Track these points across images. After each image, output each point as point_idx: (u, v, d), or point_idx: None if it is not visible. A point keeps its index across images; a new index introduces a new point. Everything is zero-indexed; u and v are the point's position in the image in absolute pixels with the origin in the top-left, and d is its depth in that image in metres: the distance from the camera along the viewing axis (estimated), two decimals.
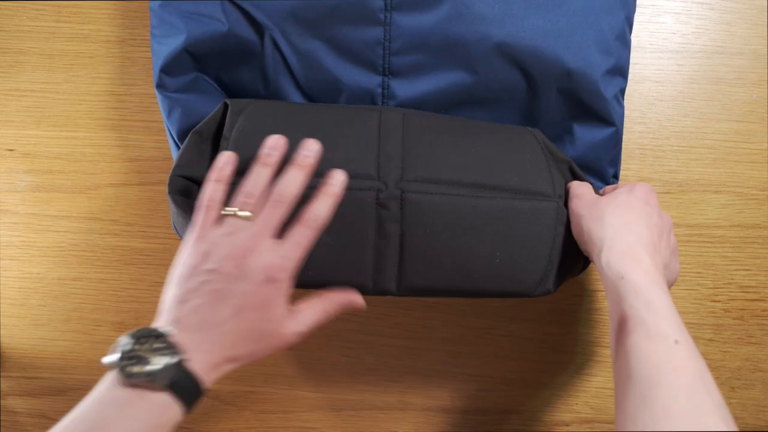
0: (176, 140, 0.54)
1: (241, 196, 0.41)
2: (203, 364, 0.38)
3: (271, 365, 0.63)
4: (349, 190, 0.44)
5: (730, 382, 0.61)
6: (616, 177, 0.55)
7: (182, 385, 0.37)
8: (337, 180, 0.43)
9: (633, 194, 0.46)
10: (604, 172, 0.54)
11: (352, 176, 0.44)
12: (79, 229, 0.62)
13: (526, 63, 0.49)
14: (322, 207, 0.42)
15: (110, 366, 0.37)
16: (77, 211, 0.62)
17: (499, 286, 0.47)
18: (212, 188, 0.42)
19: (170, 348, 0.37)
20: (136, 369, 0.36)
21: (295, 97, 0.52)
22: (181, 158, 0.48)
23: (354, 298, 0.45)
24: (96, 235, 0.62)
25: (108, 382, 0.37)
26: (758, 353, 0.61)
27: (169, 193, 0.46)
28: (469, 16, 0.48)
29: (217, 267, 0.39)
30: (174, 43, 0.51)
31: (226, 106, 0.48)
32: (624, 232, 0.43)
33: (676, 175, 0.60)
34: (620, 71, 0.51)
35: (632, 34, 0.53)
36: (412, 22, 0.49)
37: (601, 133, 0.52)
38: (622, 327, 0.39)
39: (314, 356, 0.62)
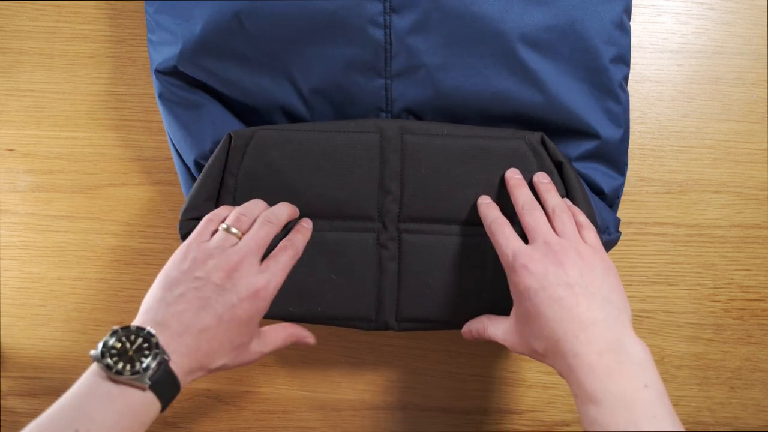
0: (175, 146, 0.54)
1: (235, 213, 0.45)
2: (181, 367, 0.39)
3: (271, 365, 0.63)
4: (354, 232, 0.50)
5: (730, 382, 0.61)
6: (626, 165, 0.55)
7: (163, 384, 0.38)
8: (309, 224, 0.49)
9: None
10: (618, 160, 0.54)
11: (357, 217, 0.50)
12: (79, 229, 0.62)
13: (527, 58, 0.49)
14: (300, 239, 0.47)
15: (97, 361, 0.38)
16: (77, 211, 0.62)
17: None
18: (220, 209, 0.47)
19: (155, 348, 0.38)
20: (122, 367, 0.37)
21: (299, 105, 0.52)
22: (191, 200, 0.49)
23: (306, 335, 0.49)
24: (96, 235, 0.62)
25: (93, 376, 0.38)
26: (758, 353, 0.61)
27: (181, 237, 0.48)
28: (469, 15, 0.48)
29: (205, 275, 0.41)
30: (170, 51, 0.50)
31: (230, 138, 0.49)
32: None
33: (676, 175, 0.60)
34: (623, 59, 0.51)
35: (632, 35, 0.53)
36: (412, 24, 0.49)
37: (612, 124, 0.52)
38: None
39: (314, 356, 0.62)
